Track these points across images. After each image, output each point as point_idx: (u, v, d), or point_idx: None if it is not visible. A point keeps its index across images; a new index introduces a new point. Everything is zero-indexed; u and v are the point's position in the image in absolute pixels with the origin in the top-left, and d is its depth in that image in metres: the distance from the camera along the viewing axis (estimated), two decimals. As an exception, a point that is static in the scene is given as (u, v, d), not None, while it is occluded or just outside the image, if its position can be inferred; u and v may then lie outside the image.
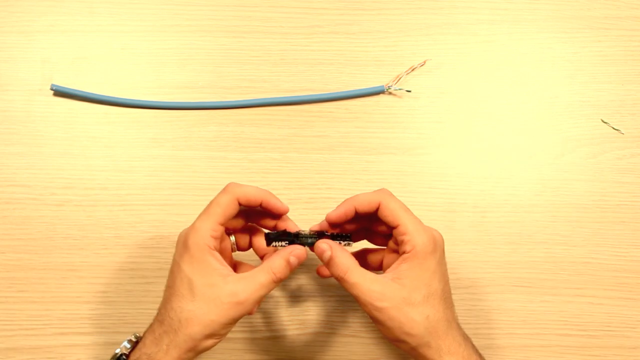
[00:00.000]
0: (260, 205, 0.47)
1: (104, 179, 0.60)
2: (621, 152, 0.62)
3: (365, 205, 0.47)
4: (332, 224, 0.48)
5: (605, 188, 0.61)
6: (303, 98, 0.62)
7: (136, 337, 0.47)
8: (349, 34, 0.63)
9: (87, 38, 0.63)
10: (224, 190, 0.46)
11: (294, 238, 0.47)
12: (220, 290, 0.43)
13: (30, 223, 0.58)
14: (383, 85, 0.62)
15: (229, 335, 0.57)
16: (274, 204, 0.47)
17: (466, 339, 0.47)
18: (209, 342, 0.44)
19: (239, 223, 0.49)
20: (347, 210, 0.47)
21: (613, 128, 0.62)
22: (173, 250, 0.58)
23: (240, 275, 0.44)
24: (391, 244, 0.49)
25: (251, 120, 0.61)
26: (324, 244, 0.46)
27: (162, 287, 0.57)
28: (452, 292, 0.47)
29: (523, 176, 0.61)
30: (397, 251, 0.47)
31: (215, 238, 0.45)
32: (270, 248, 0.49)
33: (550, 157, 0.62)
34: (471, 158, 0.61)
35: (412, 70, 0.63)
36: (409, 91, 0.62)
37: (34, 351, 0.56)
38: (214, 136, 0.61)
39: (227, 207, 0.45)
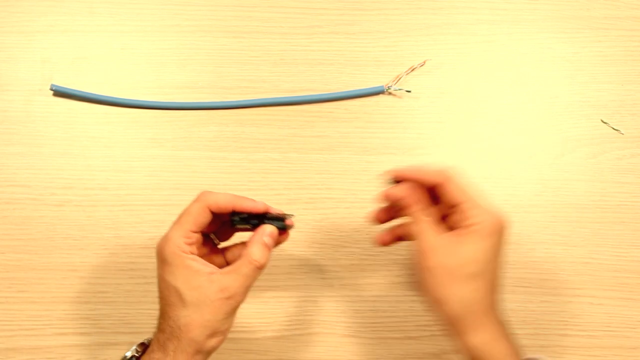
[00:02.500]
0: (234, 211, 0.47)
1: (103, 179, 0.60)
2: (621, 152, 0.62)
3: (426, 179, 0.47)
4: (396, 177, 0.48)
5: (605, 188, 0.61)
6: (303, 98, 0.62)
7: (148, 340, 0.48)
8: (349, 34, 0.63)
9: (87, 38, 0.63)
10: (196, 198, 0.46)
11: (258, 222, 0.47)
12: (208, 290, 0.44)
13: (30, 223, 0.58)
14: (383, 86, 0.62)
15: (229, 335, 0.57)
16: (249, 207, 0.47)
17: (502, 323, 0.46)
18: (213, 341, 0.45)
19: (216, 225, 0.49)
20: (411, 176, 0.47)
21: (613, 128, 0.62)
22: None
23: (225, 270, 0.45)
24: (450, 222, 0.48)
25: (251, 121, 0.61)
26: (403, 190, 0.46)
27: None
28: None
29: (523, 176, 0.61)
30: (452, 227, 0.47)
31: (190, 244, 0.46)
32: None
33: (550, 157, 0.62)
34: (471, 158, 0.61)
35: (412, 70, 0.63)
36: (409, 91, 0.62)
37: (34, 351, 0.56)
38: (214, 136, 0.61)
39: (199, 216, 0.46)
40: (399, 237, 0.50)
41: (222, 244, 0.51)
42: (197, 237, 0.46)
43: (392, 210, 0.50)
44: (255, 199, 0.59)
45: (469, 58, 0.63)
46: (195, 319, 0.44)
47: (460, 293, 0.44)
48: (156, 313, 0.47)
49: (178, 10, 0.63)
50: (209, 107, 0.62)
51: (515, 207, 0.60)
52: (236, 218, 0.47)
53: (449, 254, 0.45)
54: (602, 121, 0.62)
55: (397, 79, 0.62)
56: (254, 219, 0.47)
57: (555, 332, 0.58)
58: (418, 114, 0.62)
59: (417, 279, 0.46)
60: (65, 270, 0.58)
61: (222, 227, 0.50)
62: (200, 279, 0.44)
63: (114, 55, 0.62)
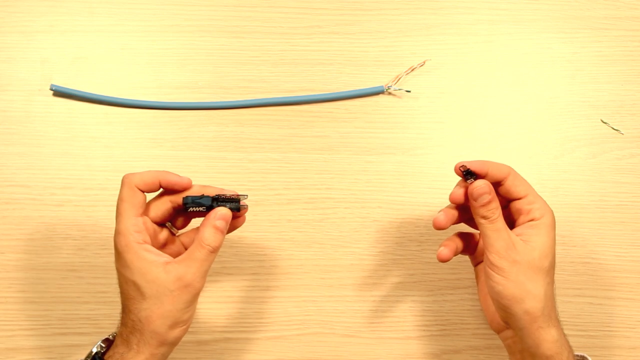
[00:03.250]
0: (161, 186, 0.47)
1: (103, 179, 0.60)
2: (621, 153, 0.62)
3: (496, 172, 0.47)
4: (465, 170, 0.48)
5: (605, 188, 0.61)
6: (303, 98, 0.62)
7: (113, 335, 0.48)
8: (349, 34, 0.63)
9: (87, 38, 0.63)
10: (122, 184, 0.46)
11: (212, 202, 0.47)
12: (164, 281, 0.44)
13: (29, 223, 0.58)
14: (383, 86, 0.62)
15: (229, 335, 0.57)
16: (173, 181, 0.47)
17: (561, 325, 0.48)
18: (176, 331, 0.45)
19: (165, 208, 0.48)
20: (482, 170, 0.47)
21: (612, 128, 0.62)
22: (173, 250, 0.58)
23: (179, 258, 0.45)
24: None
25: (251, 121, 0.61)
26: (485, 187, 0.46)
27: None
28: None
29: (522, 176, 0.61)
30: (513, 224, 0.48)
31: (139, 232, 0.45)
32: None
33: (550, 157, 0.62)
34: (471, 158, 0.61)
35: (412, 70, 0.63)
36: (409, 91, 0.62)
37: (34, 351, 0.56)
38: (214, 136, 0.61)
39: (131, 198, 0.46)
40: (459, 249, 0.50)
41: (180, 232, 0.50)
42: (143, 220, 0.46)
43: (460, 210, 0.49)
44: (256, 199, 0.59)
45: (468, 58, 0.63)
46: (155, 311, 0.43)
47: (542, 287, 0.45)
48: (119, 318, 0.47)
49: (178, 10, 0.63)
50: (209, 107, 0.62)
51: (515, 207, 0.60)
52: (188, 200, 0.47)
53: (527, 250, 0.45)
54: (602, 121, 0.62)
55: (397, 79, 0.62)
56: (206, 201, 0.46)
57: (555, 332, 0.58)
58: (418, 114, 0.62)
59: (493, 278, 0.46)
60: (65, 270, 0.58)
61: (177, 215, 0.50)
62: (155, 270, 0.44)
63: (114, 55, 0.62)
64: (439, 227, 0.48)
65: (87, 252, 0.58)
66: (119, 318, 0.46)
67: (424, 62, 0.63)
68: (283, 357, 0.57)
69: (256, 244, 0.59)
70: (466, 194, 0.47)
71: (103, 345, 0.47)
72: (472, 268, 0.53)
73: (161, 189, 0.48)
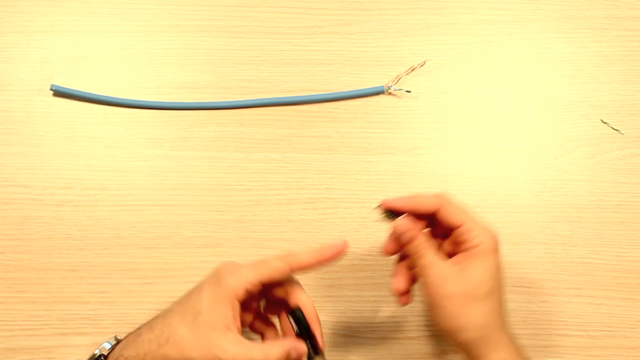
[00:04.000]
0: (299, 311, 0.47)
1: (103, 179, 0.60)
2: (621, 153, 0.62)
3: (424, 207, 0.47)
4: (386, 208, 0.48)
5: (605, 188, 0.61)
6: (303, 98, 0.62)
7: (116, 339, 0.48)
8: (349, 34, 0.63)
9: (87, 38, 0.63)
10: (280, 257, 0.46)
11: (304, 331, 0.47)
12: (215, 339, 0.43)
13: (29, 223, 0.58)
14: (383, 86, 0.62)
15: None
16: (310, 319, 0.47)
17: (513, 337, 0.47)
18: None
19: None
20: (404, 208, 0.47)
21: (612, 128, 0.62)
22: (173, 250, 0.58)
23: (240, 338, 0.44)
24: (445, 246, 0.49)
25: (251, 121, 0.61)
26: (405, 227, 0.47)
27: (162, 287, 0.57)
28: None
29: (523, 176, 0.61)
30: (451, 254, 0.47)
31: (248, 292, 0.45)
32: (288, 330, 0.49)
33: (550, 157, 0.62)
34: (471, 158, 0.61)
35: (412, 70, 0.63)
36: (409, 91, 0.62)
37: (34, 351, 0.56)
38: (214, 136, 0.61)
39: (276, 272, 0.46)
40: (413, 276, 0.50)
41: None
42: (259, 289, 0.46)
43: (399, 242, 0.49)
44: (256, 199, 0.59)
45: (468, 58, 0.63)
46: (185, 346, 0.43)
47: (477, 317, 0.45)
48: (156, 313, 0.47)
49: (178, 10, 0.63)
50: (209, 107, 0.62)
51: (515, 207, 0.60)
52: (293, 313, 0.47)
53: (460, 281, 0.45)
54: (602, 121, 0.62)
55: (397, 79, 0.62)
56: (304, 327, 0.47)
57: (555, 332, 0.58)
58: (418, 114, 0.62)
59: (431, 312, 0.46)
60: (65, 270, 0.58)
61: (255, 300, 0.49)
62: (220, 326, 0.43)
63: (114, 55, 0.62)
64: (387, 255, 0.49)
65: (87, 252, 0.58)
66: (151, 319, 0.46)
67: (424, 62, 0.63)
68: (283, 357, 0.57)
69: (256, 244, 0.59)
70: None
71: (107, 347, 0.47)
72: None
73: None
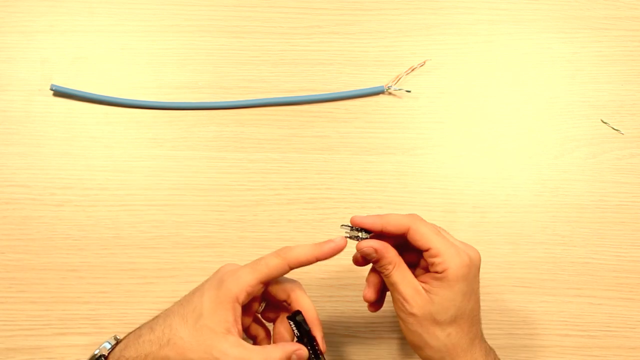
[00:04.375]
0: (300, 315, 0.47)
1: (103, 179, 0.60)
2: (621, 153, 0.62)
3: (394, 228, 0.47)
4: (355, 225, 0.48)
5: (605, 188, 0.61)
6: (303, 98, 0.62)
7: (116, 339, 0.48)
8: (349, 34, 0.63)
9: (87, 38, 0.63)
10: (277, 253, 0.46)
11: (305, 337, 0.46)
12: (216, 342, 0.43)
13: (29, 223, 0.58)
14: (383, 86, 0.62)
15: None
16: (311, 319, 0.47)
17: (488, 353, 0.47)
18: None
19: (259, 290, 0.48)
20: (374, 226, 0.47)
21: (613, 128, 0.62)
22: (173, 250, 0.58)
23: (241, 342, 0.44)
24: (422, 262, 0.48)
25: (251, 121, 0.61)
26: (370, 247, 0.46)
27: (162, 287, 0.57)
28: None
29: (523, 176, 0.61)
30: (428, 269, 0.47)
31: (249, 293, 0.45)
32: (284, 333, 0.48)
33: (550, 157, 0.62)
34: (471, 158, 0.61)
35: (412, 70, 0.63)
36: (409, 91, 0.62)
37: (34, 351, 0.56)
38: (214, 136, 0.61)
39: (274, 269, 0.45)
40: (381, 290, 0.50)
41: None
42: (260, 289, 0.46)
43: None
44: (254, 199, 0.59)
45: (468, 58, 0.63)
46: (185, 348, 0.43)
47: (439, 339, 0.45)
48: (156, 313, 0.47)
49: (178, 10, 0.63)
50: (209, 107, 0.62)
51: (515, 207, 0.60)
52: (293, 319, 0.47)
53: (424, 303, 0.45)
54: (602, 121, 0.62)
55: (397, 79, 0.62)
56: (301, 339, 0.46)
57: (555, 332, 0.58)
58: (418, 114, 0.62)
59: (399, 324, 0.47)
60: (65, 270, 0.58)
61: (274, 305, 0.49)
62: (221, 329, 0.43)
63: (114, 55, 0.62)
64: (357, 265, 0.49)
65: (87, 252, 0.58)
66: (152, 319, 0.46)
67: (424, 62, 0.63)
68: (283, 357, 0.57)
69: (256, 244, 0.59)
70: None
71: (107, 347, 0.47)
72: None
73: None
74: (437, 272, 0.45)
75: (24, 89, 0.61)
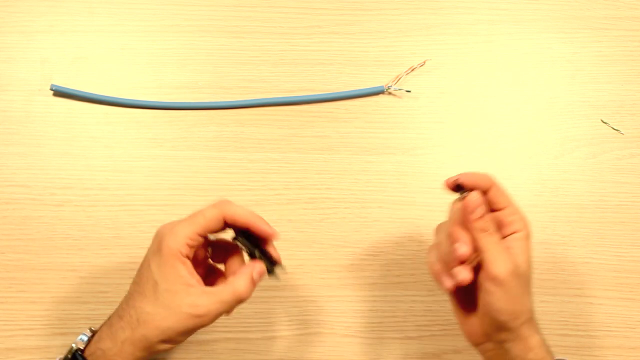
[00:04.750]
0: (247, 228, 0.46)
1: (103, 179, 0.60)
2: (621, 153, 0.62)
3: (482, 183, 0.46)
4: (457, 185, 0.47)
5: (605, 188, 0.61)
6: (303, 98, 0.62)
7: (92, 331, 0.47)
8: (349, 34, 0.63)
9: (87, 38, 0.63)
10: (215, 204, 0.46)
11: (255, 251, 0.46)
12: (182, 300, 0.43)
13: (29, 223, 0.58)
14: (383, 86, 0.62)
15: (229, 335, 0.57)
16: (262, 230, 0.46)
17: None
18: (164, 346, 0.44)
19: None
20: (471, 183, 0.46)
21: (613, 128, 0.62)
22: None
23: (205, 288, 0.44)
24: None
25: (251, 121, 0.61)
26: (480, 199, 0.45)
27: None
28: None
29: (523, 176, 0.61)
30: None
31: (191, 247, 0.45)
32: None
33: (550, 157, 0.62)
34: (471, 158, 0.61)
35: (412, 70, 0.63)
36: (409, 91, 0.62)
37: (34, 351, 0.56)
38: (214, 136, 0.61)
39: (211, 221, 0.45)
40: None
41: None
42: (200, 241, 0.46)
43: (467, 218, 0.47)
44: (254, 199, 0.59)
45: (468, 58, 0.64)
46: (156, 320, 0.43)
47: (530, 297, 0.46)
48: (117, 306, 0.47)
49: (178, 10, 0.63)
50: (209, 107, 0.62)
51: (515, 207, 0.60)
52: (240, 237, 0.47)
53: (520, 262, 0.45)
54: (602, 121, 0.62)
55: (397, 79, 0.62)
56: (252, 248, 0.46)
57: (555, 332, 0.58)
58: (418, 114, 0.62)
59: (495, 295, 0.44)
60: (65, 270, 0.58)
61: (219, 246, 0.49)
62: (180, 286, 0.43)
63: (114, 55, 0.62)
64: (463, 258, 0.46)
65: (87, 252, 0.58)
66: (117, 308, 0.46)
67: (424, 62, 0.63)
68: (283, 357, 0.57)
69: (256, 244, 0.59)
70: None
71: (84, 340, 0.46)
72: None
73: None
74: (516, 232, 0.46)
75: (24, 89, 0.61)
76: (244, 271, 0.45)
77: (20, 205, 0.59)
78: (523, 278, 0.45)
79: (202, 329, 0.57)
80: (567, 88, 0.63)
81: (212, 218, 0.45)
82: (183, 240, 0.44)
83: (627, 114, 0.63)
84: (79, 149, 0.60)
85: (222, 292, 0.44)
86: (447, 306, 0.59)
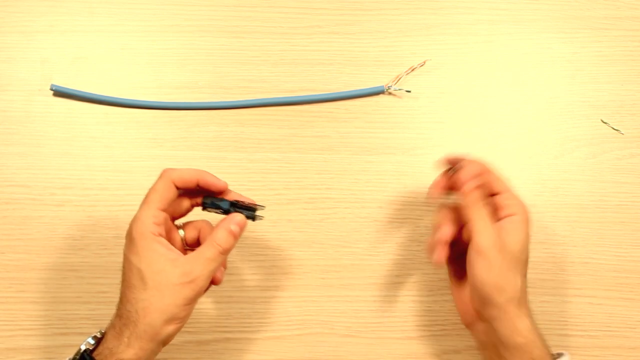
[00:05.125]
0: (198, 185, 0.48)
1: (103, 179, 0.60)
2: (621, 153, 0.62)
3: (475, 169, 0.48)
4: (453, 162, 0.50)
5: (605, 188, 0.61)
6: (303, 98, 0.62)
7: (101, 333, 0.47)
8: (349, 34, 0.63)
9: (87, 38, 0.63)
10: (160, 176, 0.47)
11: (229, 207, 0.47)
12: (170, 274, 0.44)
13: (29, 223, 0.58)
14: (383, 86, 0.62)
15: (229, 335, 0.57)
16: (211, 182, 0.47)
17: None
18: (170, 327, 0.44)
19: (184, 207, 0.49)
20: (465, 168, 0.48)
21: (613, 128, 0.62)
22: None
23: (188, 255, 0.45)
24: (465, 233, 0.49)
25: (251, 121, 0.61)
26: (479, 168, 0.48)
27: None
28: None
29: (522, 176, 0.61)
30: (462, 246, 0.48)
31: (158, 224, 0.45)
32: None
33: (550, 157, 0.62)
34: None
35: (412, 70, 0.63)
36: (409, 91, 0.62)
37: (34, 351, 0.56)
38: (214, 136, 0.61)
39: (164, 192, 0.46)
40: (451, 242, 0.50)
41: (179, 221, 0.50)
42: (165, 216, 0.46)
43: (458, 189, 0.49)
44: (255, 199, 0.59)
45: (468, 58, 0.63)
46: (154, 303, 0.43)
47: (520, 278, 0.47)
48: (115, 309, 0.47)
49: (178, 10, 0.63)
50: (209, 107, 0.62)
51: (515, 207, 0.60)
52: (208, 201, 0.47)
53: (508, 242, 0.46)
54: (602, 121, 0.62)
55: (397, 79, 0.62)
56: (224, 205, 0.47)
57: (555, 332, 0.58)
58: (418, 114, 0.62)
59: (476, 265, 0.46)
60: (65, 270, 0.58)
61: (190, 228, 0.50)
62: (164, 263, 0.44)
63: (114, 55, 0.62)
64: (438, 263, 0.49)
65: (87, 252, 0.58)
66: (115, 310, 0.46)
67: (424, 62, 0.63)
68: (283, 357, 0.57)
69: (256, 244, 0.59)
70: (448, 185, 0.49)
71: (92, 342, 0.47)
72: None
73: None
74: (511, 215, 0.47)
75: (24, 89, 0.61)
76: (221, 225, 0.46)
77: (20, 205, 0.59)
78: (510, 256, 0.46)
79: (202, 330, 0.57)
80: (567, 88, 0.63)
81: (163, 189, 0.46)
82: (148, 220, 0.45)
83: (627, 114, 0.63)
84: (79, 149, 0.60)
85: (204, 250, 0.45)
86: (447, 306, 0.59)
